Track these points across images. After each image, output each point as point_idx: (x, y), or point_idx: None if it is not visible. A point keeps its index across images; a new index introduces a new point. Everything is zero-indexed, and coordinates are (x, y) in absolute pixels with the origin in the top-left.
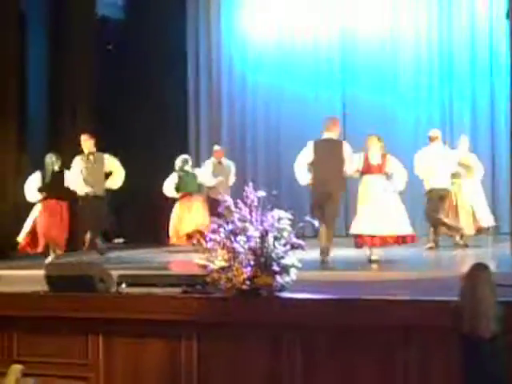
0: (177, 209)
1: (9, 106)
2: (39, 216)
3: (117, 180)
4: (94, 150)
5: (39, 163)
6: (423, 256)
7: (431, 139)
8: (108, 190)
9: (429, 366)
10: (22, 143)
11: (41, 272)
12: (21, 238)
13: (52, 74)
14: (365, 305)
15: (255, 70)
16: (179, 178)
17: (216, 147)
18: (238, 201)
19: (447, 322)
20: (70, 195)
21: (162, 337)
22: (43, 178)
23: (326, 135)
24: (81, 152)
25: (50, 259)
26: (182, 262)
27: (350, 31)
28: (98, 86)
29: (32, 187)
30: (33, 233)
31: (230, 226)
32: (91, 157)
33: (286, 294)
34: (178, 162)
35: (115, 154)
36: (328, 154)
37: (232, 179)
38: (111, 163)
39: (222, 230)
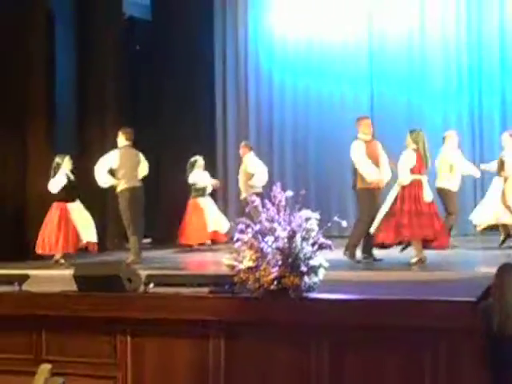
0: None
1: (37, 106)
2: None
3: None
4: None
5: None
6: (451, 255)
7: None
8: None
9: (457, 366)
10: (51, 143)
11: (69, 272)
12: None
13: (80, 74)
14: (393, 305)
15: (282, 70)
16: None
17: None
18: (266, 201)
19: (476, 322)
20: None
21: (189, 336)
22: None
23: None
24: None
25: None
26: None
27: (378, 29)
28: (126, 86)
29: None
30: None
31: (258, 226)
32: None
33: (313, 295)
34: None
35: (141, 153)
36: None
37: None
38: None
39: (249, 230)
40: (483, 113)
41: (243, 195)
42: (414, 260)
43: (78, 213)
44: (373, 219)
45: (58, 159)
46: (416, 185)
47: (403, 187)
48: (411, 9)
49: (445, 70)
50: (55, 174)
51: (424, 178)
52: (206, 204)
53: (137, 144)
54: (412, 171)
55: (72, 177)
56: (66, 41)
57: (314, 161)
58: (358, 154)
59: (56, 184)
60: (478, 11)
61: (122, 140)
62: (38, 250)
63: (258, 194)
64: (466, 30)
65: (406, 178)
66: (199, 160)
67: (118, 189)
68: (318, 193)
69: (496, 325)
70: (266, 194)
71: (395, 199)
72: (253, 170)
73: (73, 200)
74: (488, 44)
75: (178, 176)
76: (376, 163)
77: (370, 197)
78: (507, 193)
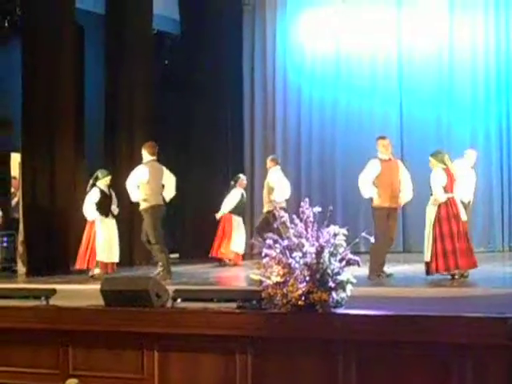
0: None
1: (66, 119)
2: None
3: (170, 191)
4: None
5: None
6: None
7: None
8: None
9: (484, 383)
10: (80, 157)
11: (96, 286)
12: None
13: (109, 88)
14: (420, 321)
15: (310, 85)
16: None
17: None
18: (294, 216)
19: (503, 339)
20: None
21: (216, 352)
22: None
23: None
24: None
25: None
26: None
27: (407, 45)
28: (155, 100)
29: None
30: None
31: (286, 242)
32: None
33: (341, 310)
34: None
35: (170, 169)
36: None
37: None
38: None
39: (277, 245)
40: (510, 129)
41: (265, 209)
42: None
43: (107, 230)
44: (385, 237)
45: (97, 173)
46: (452, 204)
47: (439, 207)
48: (440, 24)
49: (473, 86)
50: (91, 187)
51: (456, 197)
52: (239, 224)
53: (164, 157)
54: (445, 189)
55: (107, 192)
56: (95, 56)
57: (341, 176)
58: (364, 172)
59: (89, 200)
60: (506, 29)
61: (146, 155)
62: (76, 265)
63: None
64: (494, 47)
65: (441, 195)
66: (242, 178)
67: (145, 205)
68: (345, 209)
69: None
70: (290, 208)
71: (435, 222)
72: (274, 184)
73: (106, 215)
74: None
75: (205, 192)
76: (392, 183)
77: (381, 215)
78: None
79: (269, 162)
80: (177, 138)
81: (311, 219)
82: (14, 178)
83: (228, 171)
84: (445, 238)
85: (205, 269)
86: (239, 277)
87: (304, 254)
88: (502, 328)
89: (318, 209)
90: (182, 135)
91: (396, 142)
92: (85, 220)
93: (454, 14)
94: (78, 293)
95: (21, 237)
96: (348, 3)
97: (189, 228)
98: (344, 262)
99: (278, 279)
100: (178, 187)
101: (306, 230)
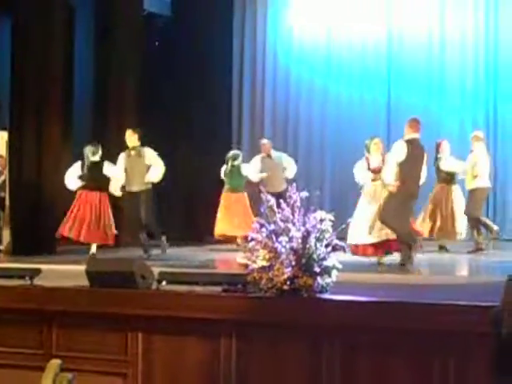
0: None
1: (55, 101)
2: (77, 206)
3: (156, 173)
4: (137, 144)
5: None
6: (462, 260)
7: (477, 139)
8: (153, 185)
9: (467, 371)
10: (68, 138)
11: (82, 267)
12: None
13: (98, 69)
14: (404, 308)
15: (300, 69)
16: (226, 172)
17: (264, 141)
18: (281, 201)
19: (487, 327)
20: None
21: (201, 335)
22: (82, 168)
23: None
24: (126, 148)
25: (92, 251)
26: (223, 260)
27: (396, 33)
28: (144, 82)
29: (72, 175)
30: (72, 221)
31: (272, 226)
32: (133, 152)
33: (326, 296)
34: (228, 156)
35: (159, 150)
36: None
37: (290, 171)
38: (150, 156)
39: (263, 229)
40: (498, 118)
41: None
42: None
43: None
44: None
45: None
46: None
47: None
48: (430, 12)
49: (461, 75)
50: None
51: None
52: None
53: (153, 139)
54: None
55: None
56: (85, 37)
57: (330, 163)
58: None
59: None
60: (495, 18)
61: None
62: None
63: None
64: (483, 36)
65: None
66: (239, 155)
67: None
68: (333, 194)
69: (505, 329)
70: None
71: None
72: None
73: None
74: (505, 51)
75: (195, 173)
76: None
77: None
78: None
79: (265, 148)
80: (166, 118)
81: (298, 204)
82: (1, 156)
83: (216, 150)
84: None
85: (193, 252)
86: (228, 260)
87: (290, 239)
88: (486, 316)
89: (305, 193)
90: (171, 115)
91: (384, 130)
92: (70, 201)
93: (445, 2)
94: (63, 273)
95: (6, 216)
96: None
97: (178, 209)
98: (330, 248)
99: (264, 263)
100: (168, 169)
101: (293, 214)
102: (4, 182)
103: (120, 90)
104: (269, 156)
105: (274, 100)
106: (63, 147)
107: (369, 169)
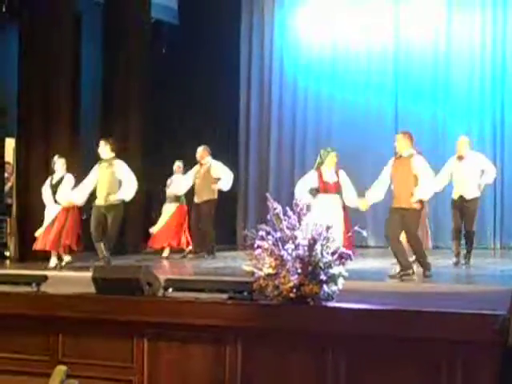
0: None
1: (62, 105)
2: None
3: (126, 191)
4: (110, 156)
5: (91, 163)
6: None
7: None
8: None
9: (474, 379)
10: (75, 145)
11: (88, 274)
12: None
13: (105, 75)
14: (411, 317)
15: (307, 77)
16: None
17: (198, 148)
18: (287, 208)
19: (493, 336)
20: None
21: (207, 342)
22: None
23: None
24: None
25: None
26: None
27: (404, 41)
28: (151, 88)
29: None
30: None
31: (279, 234)
32: (105, 163)
33: (332, 303)
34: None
35: (164, 155)
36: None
37: (223, 182)
38: (121, 171)
39: (270, 237)
40: (505, 127)
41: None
42: None
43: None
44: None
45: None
46: None
47: None
48: (437, 20)
49: (468, 84)
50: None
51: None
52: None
53: (158, 144)
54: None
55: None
56: (92, 44)
57: None
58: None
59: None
60: (503, 28)
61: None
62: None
63: None
64: (491, 46)
65: None
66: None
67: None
68: None
69: (511, 338)
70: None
71: None
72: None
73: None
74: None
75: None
76: None
77: None
78: None
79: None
80: (171, 124)
81: (304, 211)
82: (8, 163)
83: (222, 158)
84: None
85: (196, 259)
86: (232, 268)
87: (296, 247)
88: (492, 325)
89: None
90: (176, 121)
91: (391, 137)
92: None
93: (451, 9)
94: (69, 280)
95: (13, 222)
96: None
97: None
98: (336, 256)
99: (270, 271)
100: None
101: (299, 222)
102: (11, 188)
103: (127, 96)
104: (201, 164)
105: (281, 107)
106: (70, 154)
107: (321, 181)
